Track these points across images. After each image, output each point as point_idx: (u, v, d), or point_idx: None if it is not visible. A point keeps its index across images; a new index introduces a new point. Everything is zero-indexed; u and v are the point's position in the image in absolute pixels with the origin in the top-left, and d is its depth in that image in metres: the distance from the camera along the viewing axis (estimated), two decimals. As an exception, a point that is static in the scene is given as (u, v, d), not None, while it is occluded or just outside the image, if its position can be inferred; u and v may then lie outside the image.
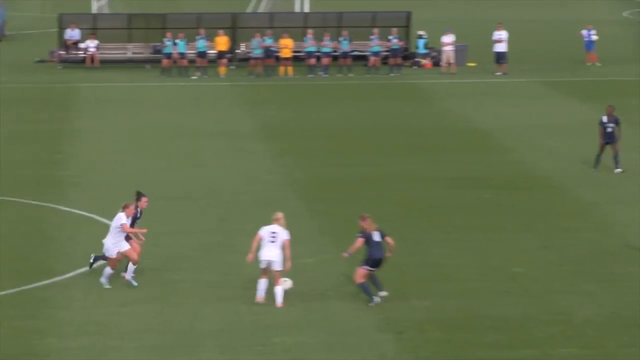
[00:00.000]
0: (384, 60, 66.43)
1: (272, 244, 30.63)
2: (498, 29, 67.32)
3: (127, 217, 31.40)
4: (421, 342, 27.81)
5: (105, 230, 32.21)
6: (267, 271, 30.36)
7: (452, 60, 66.83)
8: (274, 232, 30.57)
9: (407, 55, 68.24)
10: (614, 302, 30.29)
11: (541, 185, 42.70)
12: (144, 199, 32.33)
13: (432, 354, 27.04)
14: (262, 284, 30.38)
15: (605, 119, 43.60)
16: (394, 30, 67.93)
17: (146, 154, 47.61)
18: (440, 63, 67.40)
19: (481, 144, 48.90)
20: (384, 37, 66.88)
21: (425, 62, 68.55)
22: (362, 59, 66.90)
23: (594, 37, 69.42)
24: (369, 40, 66.42)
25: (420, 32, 69.96)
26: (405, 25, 69.98)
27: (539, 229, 36.91)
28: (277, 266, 30.37)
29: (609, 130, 43.29)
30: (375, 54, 66.24)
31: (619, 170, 43.28)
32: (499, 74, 65.81)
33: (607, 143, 43.61)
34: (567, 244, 35.29)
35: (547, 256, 34.37)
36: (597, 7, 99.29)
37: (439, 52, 67.76)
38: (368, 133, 51.73)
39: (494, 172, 44.23)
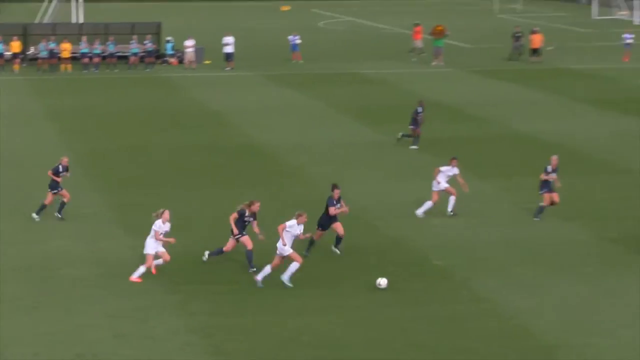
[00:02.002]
0: (141, 59, 66.74)
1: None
2: (226, 34, 68.17)
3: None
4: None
5: None
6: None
7: (193, 59, 67.55)
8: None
9: (158, 55, 68.62)
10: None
11: (260, 152, 42.98)
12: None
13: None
14: None
15: (420, 109, 43.66)
16: (148, 36, 68.36)
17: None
18: (184, 61, 68.16)
19: (216, 122, 49.46)
20: (140, 41, 67.26)
21: (173, 60, 69.14)
22: (124, 58, 67.06)
23: (298, 41, 70.58)
24: (129, 44, 66.74)
25: (168, 38, 70.50)
26: (157, 32, 70.37)
27: (260, 185, 37.03)
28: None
29: (419, 117, 43.38)
30: (134, 54, 66.37)
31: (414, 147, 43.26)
32: (228, 69, 66.37)
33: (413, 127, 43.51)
34: (282, 196, 35.55)
35: (271, 205, 34.47)
36: (301, 18, 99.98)
37: (183, 52, 68.47)
38: (130, 114, 52.02)
39: (226, 143, 44.61)
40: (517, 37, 72.54)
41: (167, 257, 27.36)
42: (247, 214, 28.27)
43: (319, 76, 64.60)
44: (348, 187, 35.67)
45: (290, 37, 72.06)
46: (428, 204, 32.82)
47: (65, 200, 32.60)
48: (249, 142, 45.09)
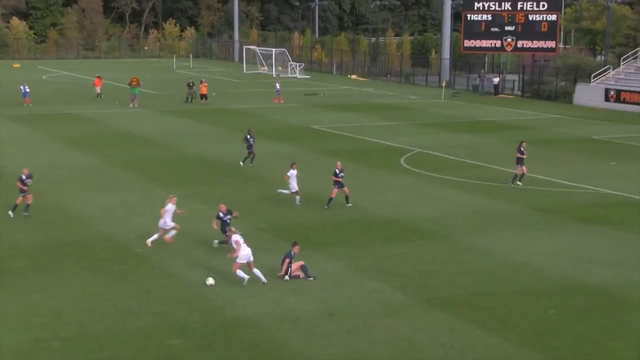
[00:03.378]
0: None
1: None
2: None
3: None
4: None
5: None
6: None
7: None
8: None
9: None
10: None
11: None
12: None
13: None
14: None
15: (249, 137, 43.61)
16: None
17: None
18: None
19: None
20: None
21: None
22: None
23: (28, 89, 68.78)
24: None
25: None
26: None
27: None
28: None
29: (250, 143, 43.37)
30: None
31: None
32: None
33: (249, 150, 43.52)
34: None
35: None
36: (30, 72, 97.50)
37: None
38: None
39: None
40: (190, 86, 73.10)
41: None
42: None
43: (45, 116, 62.60)
44: (67, 199, 35.01)
45: (21, 87, 69.97)
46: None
47: None
48: (-9, 165, 42.81)
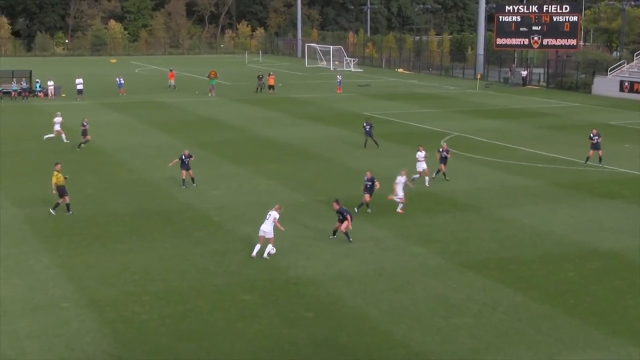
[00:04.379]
0: (19, 94, 64.19)
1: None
2: (78, 77, 66.56)
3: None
4: None
5: None
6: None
7: (53, 93, 65.45)
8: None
9: (30, 91, 65.92)
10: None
11: (99, 151, 41.47)
12: None
13: None
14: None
15: (366, 125, 43.75)
16: (24, 78, 65.86)
17: None
18: (48, 95, 65.71)
19: (70, 133, 47.45)
20: (18, 82, 64.79)
21: (40, 94, 66.38)
22: (8, 94, 64.19)
23: (122, 81, 69.36)
24: (11, 84, 64.37)
25: (37, 80, 67.86)
26: (29, 76, 67.50)
27: (98, 172, 35.92)
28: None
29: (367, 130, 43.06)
30: (14, 90, 63.98)
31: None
32: (78, 100, 64.29)
33: None
34: (113, 179, 34.83)
35: (104, 185, 34.12)
36: (124, 67, 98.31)
37: (47, 89, 66.07)
38: (9, 129, 49.14)
39: (76, 145, 43.15)
40: (260, 78, 73.06)
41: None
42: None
43: (136, 103, 62.94)
44: (155, 174, 35.31)
45: (117, 79, 70.44)
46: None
47: None
48: (93, 145, 43.10)
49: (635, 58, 75.99)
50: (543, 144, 45.21)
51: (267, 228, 23.79)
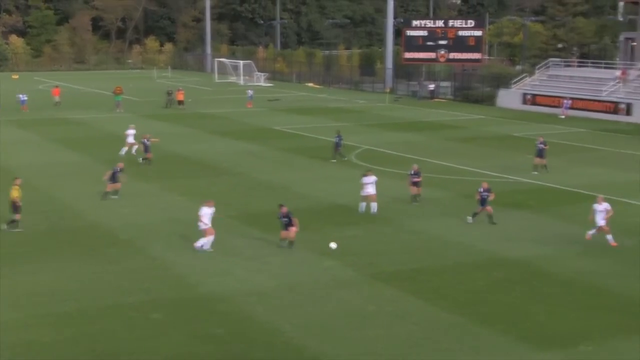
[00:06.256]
0: None
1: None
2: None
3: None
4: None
5: None
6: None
7: None
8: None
9: None
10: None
11: (4, 170, 41.05)
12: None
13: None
14: None
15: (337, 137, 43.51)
16: None
17: None
18: None
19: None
20: None
21: None
22: None
23: (25, 98, 68.06)
24: None
25: None
26: None
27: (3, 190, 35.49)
28: None
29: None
30: None
31: None
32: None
33: None
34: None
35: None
36: (27, 83, 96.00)
37: None
38: None
39: None
40: (169, 93, 72.59)
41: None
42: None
43: (40, 120, 61.70)
44: (61, 192, 34.65)
45: (19, 95, 69.04)
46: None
47: None
48: (-5, 164, 42.17)
49: (536, 71, 78.46)
50: (451, 156, 46.21)
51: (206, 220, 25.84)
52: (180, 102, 71.09)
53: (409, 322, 20.53)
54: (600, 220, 27.70)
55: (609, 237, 27.61)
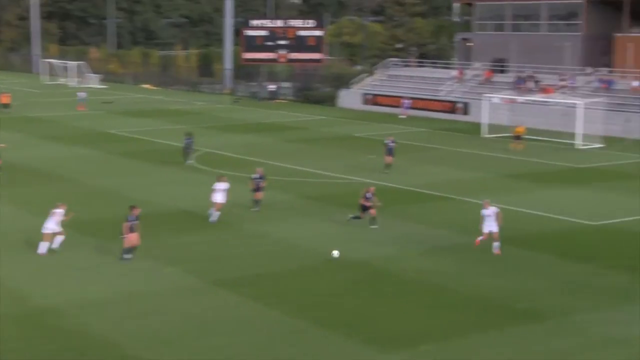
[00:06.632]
0: None
1: None
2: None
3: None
4: None
5: None
6: None
7: None
8: None
9: None
10: None
11: None
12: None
13: None
14: None
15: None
16: None
17: None
18: None
19: None
20: None
21: None
22: None
23: None
24: None
25: None
26: None
27: None
28: None
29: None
30: None
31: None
32: None
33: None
34: None
35: None
36: None
37: None
38: None
39: None
40: (-10, 97, 69.51)
41: None
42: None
43: None
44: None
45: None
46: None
47: None
48: None
49: (375, 71, 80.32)
50: (292, 158, 46.46)
51: (50, 225, 25.62)
52: (5, 105, 68.03)
53: (252, 328, 20.35)
54: (491, 225, 26.70)
55: (496, 244, 26.76)
